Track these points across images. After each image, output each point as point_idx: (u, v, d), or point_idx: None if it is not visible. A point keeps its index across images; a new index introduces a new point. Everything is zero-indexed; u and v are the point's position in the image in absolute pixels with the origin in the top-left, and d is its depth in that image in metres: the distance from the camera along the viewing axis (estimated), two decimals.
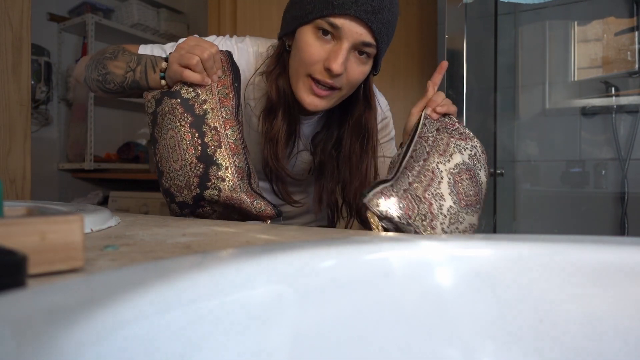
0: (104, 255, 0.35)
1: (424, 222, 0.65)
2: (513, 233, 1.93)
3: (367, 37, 0.71)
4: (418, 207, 0.65)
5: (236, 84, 0.75)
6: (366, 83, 0.82)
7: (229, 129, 0.71)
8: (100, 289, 0.20)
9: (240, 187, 0.70)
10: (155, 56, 0.76)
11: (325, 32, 0.72)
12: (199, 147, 0.69)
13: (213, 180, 0.69)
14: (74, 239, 0.29)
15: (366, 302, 0.29)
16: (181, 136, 0.69)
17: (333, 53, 0.72)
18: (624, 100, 1.76)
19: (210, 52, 0.70)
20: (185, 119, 0.69)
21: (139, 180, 2.47)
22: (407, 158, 0.74)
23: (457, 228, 0.66)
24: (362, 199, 0.67)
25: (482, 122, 1.80)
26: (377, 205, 0.65)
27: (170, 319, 0.20)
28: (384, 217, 0.65)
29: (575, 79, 1.87)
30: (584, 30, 1.85)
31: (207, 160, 0.69)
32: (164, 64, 0.73)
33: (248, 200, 0.70)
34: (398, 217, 0.64)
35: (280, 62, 0.81)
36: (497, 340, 0.29)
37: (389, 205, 0.65)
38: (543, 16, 1.90)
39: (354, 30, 0.71)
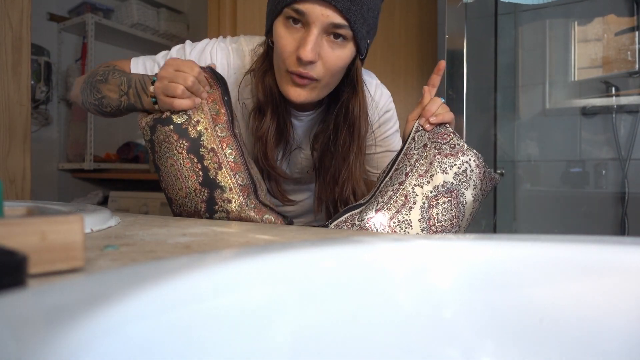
0: (104, 255, 0.35)
1: None
2: (513, 233, 1.93)
3: (335, 17, 0.69)
4: None
5: (226, 98, 0.75)
6: (352, 68, 0.79)
7: (226, 147, 0.71)
8: (100, 289, 0.20)
9: (247, 205, 0.71)
10: (143, 76, 0.75)
11: (295, 21, 0.71)
12: (200, 173, 0.69)
13: (220, 203, 0.70)
14: (74, 239, 0.29)
15: (366, 302, 0.29)
16: (180, 164, 0.70)
17: (302, 40, 0.70)
18: (624, 100, 1.76)
19: (193, 78, 0.69)
20: (182, 145, 0.69)
21: (139, 180, 2.47)
22: (386, 179, 0.74)
23: None
24: (329, 225, 0.70)
25: (482, 122, 1.80)
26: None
27: (170, 319, 0.20)
28: None
29: (575, 79, 1.87)
30: (584, 30, 1.85)
31: (210, 184, 0.70)
32: (151, 88, 0.72)
33: (257, 217, 0.71)
34: None
35: (266, 60, 0.80)
36: (497, 340, 0.29)
37: None
38: (543, 16, 1.90)
39: (319, 13, 0.68)
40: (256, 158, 0.82)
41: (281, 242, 0.40)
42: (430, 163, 0.70)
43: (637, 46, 1.74)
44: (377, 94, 0.92)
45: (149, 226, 0.54)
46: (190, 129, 0.70)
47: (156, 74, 0.72)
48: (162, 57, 0.89)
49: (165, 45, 2.84)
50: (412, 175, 0.70)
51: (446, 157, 0.70)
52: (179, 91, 0.68)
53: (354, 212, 0.72)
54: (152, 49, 2.89)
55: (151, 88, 0.72)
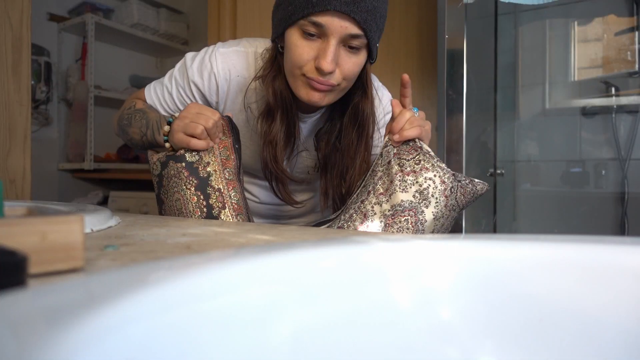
0: (104, 255, 0.35)
1: None
2: (513, 233, 1.93)
3: (353, 29, 0.70)
4: None
5: (236, 146, 0.79)
6: (363, 71, 0.80)
7: (231, 190, 0.76)
8: (100, 289, 0.20)
9: None
10: (160, 117, 0.84)
11: (311, 31, 0.71)
12: (205, 209, 0.73)
13: None
14: (74, 239, 0.29)
15: (365, 302, 0.29)
16: (187, 199, 0.73)
17: (321, 51, 0.71)
18: (624, 100, 1.76)
19: (214, 121, 0.74)
20: (191, 182, 0.74)
21: (139, 180, 2.47)
22: (353, 196, 0.75)
23: None
24: None
25: (482, 122, 1.80)
26: None
27: (170, 319, 0.20)
28: None
29: (575, 79, 1.87)
30: (584, 30, 1.85)
31: None
32: (166, 128, 0.77)
33: None
34: None
35: (275, 65, 0.81)
36: (497, 340, 0.29)
37: None
38: (543, 16, 1.90)
39: (338, 25, 0.69)
40: (265, 162, 0.82)
41: (281, 242, 0.40)
42: (391, 181, 0.70)
43: (637, 46, 1.74)
44: (379, 96, 0.93)
45: (149, 226, 0.54)
46: (201, 169, 0.74)
47: (172, 115, 0.78)
48: (167, 79, 0.92)
49: (165, 45, 2.84)
50: (374, 194, 0.71)
51: (407, 175, 0.70)
52: (198, 131, 0.73)
53: (321, 228, 0.74)
54: (152, 49, 2.90)
55: (166, 128, 0.77)
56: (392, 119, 0.78)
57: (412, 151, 0.72)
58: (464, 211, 1.36)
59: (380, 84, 0.96)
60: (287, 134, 0.83)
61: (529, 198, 1.94)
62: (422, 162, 0.71)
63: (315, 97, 0.75)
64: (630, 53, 1.76)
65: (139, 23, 2.66)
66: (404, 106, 0.79)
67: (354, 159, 0.84)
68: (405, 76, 0.79)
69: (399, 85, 0.81)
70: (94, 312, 0.17)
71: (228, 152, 0.77)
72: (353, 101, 0.83)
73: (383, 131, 0.96)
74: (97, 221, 0.50)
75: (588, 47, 1.84)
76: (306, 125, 0.90)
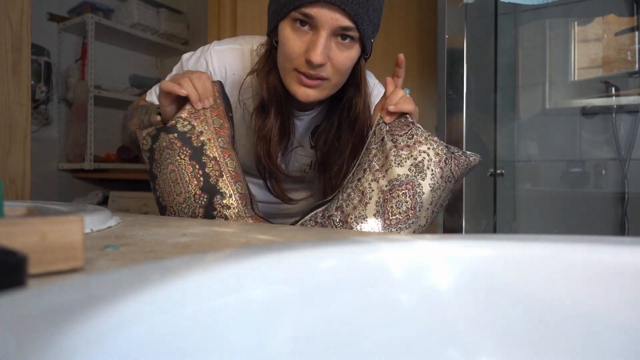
0: (104, 255, 0.35)
1: None
2: (513, 233, 1.93)
3: (344, 21, 0.70)
4: None
5: (230, 114, 0.77)
6: (356, 67, 0.80)
7: (227, 157, 0.73)
8: (100, 289, 0.20)
9: (245, 213, 0.71)
10: (153, 104, 0.84)
11: (302, 23, 0.71)
12: (201, 178, 0.70)
13: (218, 209, 0.70)
14: (74, 239, 0.29)
15: (366, 302, 0.29)
16: (182, 169, 0.70)
17: (312, 44, 0.70)
18: (624, 100, 1.76)
19: (199, 74, 0.73)
20: (184, 151, 0.71)
21: (139, 180, 2.47)
22: (349, 176, 0.75)
23: None
24: (297, 224, 0.72)
25: (482, 122, 1.80)
26: None
27: (170, 319, 0.20)
28: None
29: (575, 79, 1.87)
30: (584, 30, 1.85)
31: (211, 190, 0.70)
32: (158, 118, 0.77)
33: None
34: None
35: (269, 59, 0.80)
36: (497, 340, 0.29)
37: None
38: (543, 16, 1.90)
39: (328, 17, 0.69)
40: (259, 157, 0.82)
41: (281, 242, 0.40)
42: (386, 157, 0.71)
43: (637, 46, 1.74)
44: (375, 93, 0.93)
45: (149, 226, 0.54)
46: (194, 138, 0.71)
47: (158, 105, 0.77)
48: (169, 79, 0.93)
49: (166, 45, 2.84)
50: (370, 171, 0.72)
51: (402, 149, 0.71)
52: (182, 80, 0.71)
53: (317, 210, 0.74)
54: (152, 49, 2.90)
55: (158, 118, 0.76)
56: (384, 96, 0.77)
57: (405, 127, 0.73)
58: (464, 211, 1.36)
59: (377, 81, 0.96)
60: (282, 129, 0.83)
61: (529, 198, 1.94)
62: (414, 136, 0.72)
63: (305, 93, 0.75)
64: (630, 53, 1.76)
65: (139, 23, 2.66)
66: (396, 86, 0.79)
67: (352, 157, 0.83)
68: (401, 56, 0.78)
69: (398, 85, 0.81)
70: (94, 312, 0.17)
71: (221, 121, 0.74)
72: (345, 97, 0.83)
73: None
74: (97, 221, 0.50)
75: (588, 47, 1.84)
76: (302, 123, 0.89)
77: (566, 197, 1.87)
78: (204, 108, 0.73)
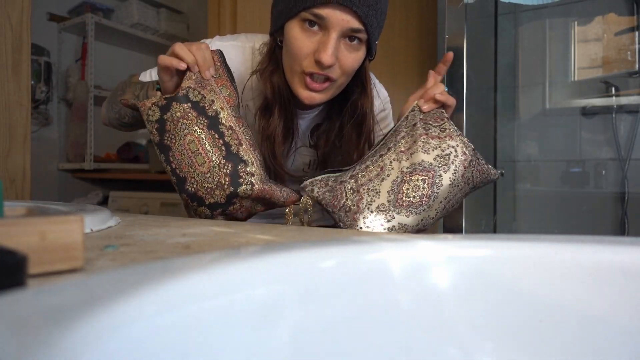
0: (104, 255, 0.35)
1: (348, 214, 0.69)
2: (513, 233, 1.93)
3: (354, 23, 0.70)
4: (345, 200, 0.69)
5: (234, 84, 0.75)
6: (361, 68, 0.80)
7: (242, 126, 0.73)
8: (100, 289, 0.20)
9: (266, 179, 0.73)
10: (153, 81, 0.80)
11: (311, 24, 0.71)
12: (223, 148, 0.70)
13: (244, 177, 0.70)
14: (74, 239, 0.29)
15: (366, 302, 0.29)
16: (203, 139, 0.70)
17: (322, 44, 0.71)
18: (624, 100, 1.76)
19: (197, 44, 0.71)
20: (201, 121, 0.70)
21: (139, 180, 2.47)
22: (371, 152, 0.76)
23: (381, 225, 0.67)
24: (305, 180, 0.73)
25: (482, 122, 1.80)
26: (312, 192, 0.72)
27: (170, 319, 0.20)
28: (314, 202, 0.72)
29: (575, 79, 1.87)
30: (584, 29, 1.85)
31: (234, 158, 0.70)
32: (158, 94, 0.74)
33: (277, 189, 0.73)
34: (325, 204, 0.71)
35: (273, 59, 0.80)
36: (497, 340, 0.29)
37: (319, 193, 0.71)
38: (543, 16, 1.90)
39: (339, 18, 0.69)
40: (263, 157, 0.82)
41: (281, 242, 0.40)
42: (415, 141, 0.71)
43: (637, 46, 1.74)
44: (374, 93, 0.93)
45: (149, 226, 0.54)
46: (207, 107, 0.71)
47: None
48: None
49: (166, 45, 2.83)
50: (394, 150, 0.72)
51: (432, 139, 0.71)
52: (177, 48, 0.69)
53: (331, 175, 0.74)
54: (152, 49, 2.90)
55: (158, 94, 0.73)
56: (425, 87, 0.77)
57: (439, 120, 0.74)
58: (464, 211, 1.36)
59: (377, 81, 0.96)
60: (285, 129, 0.82)
61: (529, 198, 1.94)
62: (447, 130, 0.72)
63: (311, 96, 0.75)
64: (630, 53, 1.76)
65: (139, 23, 2.66)
66: None
67: (352, 154, 0.84)
68: (450, 54, 0.77)
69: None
70: (94, 312, 0.17)
71: (229, 90, 0.73)
72: (352, 98, 0.83)
73: (381, 126, 0.96)
74: (97, 221, 0.50)
75: (588, 47, 1.84)
76: (304, 122, 0.89)
77: (566, 197, 1.87)
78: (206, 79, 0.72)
